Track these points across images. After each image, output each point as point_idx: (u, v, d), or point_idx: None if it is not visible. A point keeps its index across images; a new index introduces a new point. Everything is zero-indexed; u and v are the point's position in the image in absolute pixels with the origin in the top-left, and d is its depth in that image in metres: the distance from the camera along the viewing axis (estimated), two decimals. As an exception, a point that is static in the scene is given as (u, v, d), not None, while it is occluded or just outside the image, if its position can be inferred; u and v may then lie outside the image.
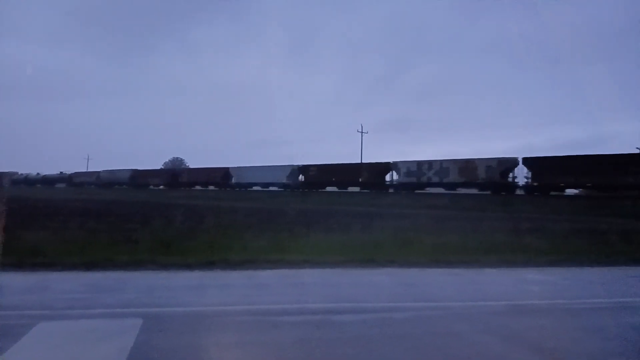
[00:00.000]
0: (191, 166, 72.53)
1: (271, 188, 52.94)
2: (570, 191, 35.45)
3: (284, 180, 51.83)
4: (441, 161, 41.27)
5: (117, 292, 6.55)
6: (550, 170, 34.75)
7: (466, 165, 39.37)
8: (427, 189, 41.60)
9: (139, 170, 70.67)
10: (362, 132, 63.35)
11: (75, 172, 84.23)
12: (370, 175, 45.83)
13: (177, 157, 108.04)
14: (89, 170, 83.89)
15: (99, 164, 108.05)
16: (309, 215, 20.47)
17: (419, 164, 42.35)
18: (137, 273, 7.85)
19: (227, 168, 59.04)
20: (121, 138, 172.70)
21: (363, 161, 52.91)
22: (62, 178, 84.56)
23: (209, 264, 8.45)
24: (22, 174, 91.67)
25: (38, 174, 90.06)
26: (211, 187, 59.62)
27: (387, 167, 44.96)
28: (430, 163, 41.91)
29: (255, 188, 54.47)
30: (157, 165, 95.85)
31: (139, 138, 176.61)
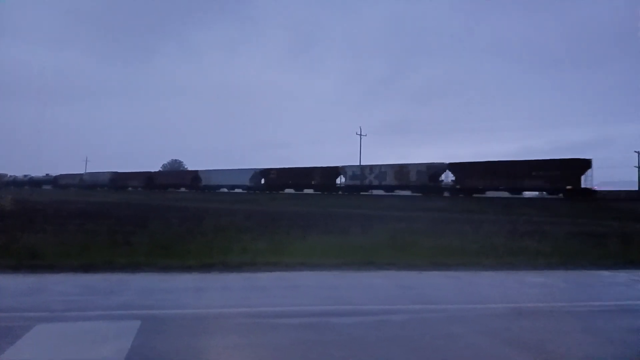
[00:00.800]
0: (190, 168, 74.37)
1: (236, 190, 57.08)
2: (492, 193, 39.77)
3: (247, 183, 56.15)
4: (380, 166, 45.65)
5: (115, 295, 6.54)
6: (470, 174, 39.50)
7: (400, 170, 43.82)
8: (371, 191, 45.99)
9: (118, 172, 74.16)
10: (360, 135, 63.49)
11: (60, 175, 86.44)
12: (322, 178, 49.84)
13: (175, 159, 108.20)
14: (78, 172, 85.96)
15: (99, 166, 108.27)
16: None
17: (362, 168, 47.25)
18: (135, 275, 7.83)
19: (197, 171, 63.66)
20: (121, 140, 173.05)
21: (359, 163, 54.73)
22: (47, 180, 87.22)
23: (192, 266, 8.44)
24: (10, 176, 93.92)
25: (25, 175, 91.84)
26: (182, 189, 63.52)
27: (336, 170, 49.26)
28: (371, 167, 46.33)
29: (222, 190, 58.63)
30: (157, 167, 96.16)
31: (139, 140, 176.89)
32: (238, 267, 8.50)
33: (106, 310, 5.67)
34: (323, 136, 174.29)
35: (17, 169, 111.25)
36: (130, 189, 69.49)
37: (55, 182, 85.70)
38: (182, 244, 10.65)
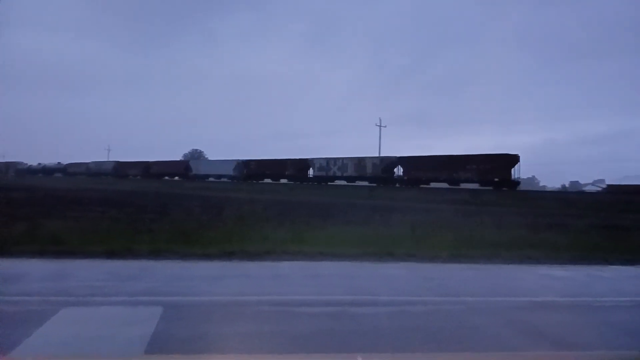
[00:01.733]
0: (210, 158, 77.44)
1: (222, 179, 61.26)
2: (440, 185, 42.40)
3: (231, 173, 60.56)
4: (342, 159, 49.90)
5: (137, 281, 6.62)
6: (416, 167, 43.58)
7: (359, 163, 48.06)
8: (336, 181, 49.86)
9: (120, 162, 79.86)
10: (380, 126, 63.20)
11: (69, 163, 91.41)
12: (294, 170, 53.58)
13: (195, 149, 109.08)
14: (107, 160, 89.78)
15: (120, 154, 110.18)
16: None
17: (327, 160, 51.03)
18: (156, 262, 7.91)
19: (188, 161, 70.85)
20: (143, 129, 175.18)
21: (379, 154, 55.98)
22: (59, 168, 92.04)
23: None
24: (25, 164, 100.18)
25: (39, 164, 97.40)
26: (176, 178, 68.09)
27: (306, 163, 53.23)
28: (335, 160, 50.45)
29: (210, 179, 62.77)
30: (177, 156, 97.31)
31: (160, 129, 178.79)
32: (258, 256, 8.53)
33: (129, 296, 5.74)
34: (343, 127, 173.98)
35: (38, 157, 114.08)
36: (130, 177, 74.05)
37: (65, 170, 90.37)
38: (202, 231, 10.73)
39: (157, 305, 5.24)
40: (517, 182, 38.49)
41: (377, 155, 50.25)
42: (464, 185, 40.42)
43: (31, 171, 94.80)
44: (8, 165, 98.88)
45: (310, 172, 52.95)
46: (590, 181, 75.79)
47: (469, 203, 27.79)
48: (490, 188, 37.90)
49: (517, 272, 8.56)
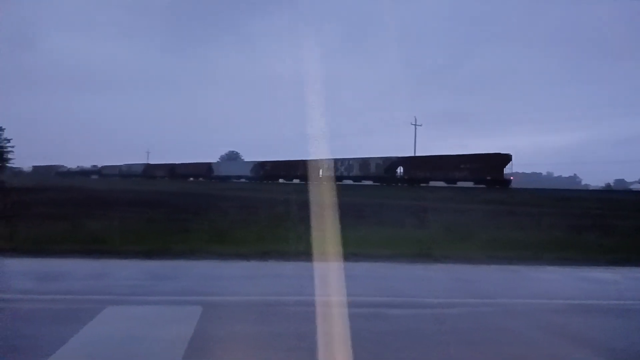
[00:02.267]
0: (245, 159, 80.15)
1: (241, 180, 65.13)
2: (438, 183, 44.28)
3: (249, 174, 64.53)
4: (348, 159, 52.84)
5: (176, 280, 6.81)
6: (415, 167, 45.71)
7: (364, 163, 50.88)
8: (344, 181, 51.57)
9: (149, 164, 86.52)
10: (415, 125, 62.64)
11: (104, 166, 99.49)
12: (306, 170, 54.19)
13: (232, 151, 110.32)
14: (118, 164, 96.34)
15: (159, 156, 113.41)
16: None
17: (335, 161, 53.33)
18: (194, 262, 8.09)
19: (210, 163, 73.82)
20: (182, 131, 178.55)
21: (414, 154, 56.73)
22: (94, 170, 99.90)
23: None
24: (65, 167, 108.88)
25: (78, 166, 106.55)
26: (200, 179, 72.13)
27: (317, 163, 54.42)
28: (342, 161, 53.26)
29: (231, 180, 66.33)
30: (215, 158, 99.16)
31: (197, 130, 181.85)
32: (293, 256, 8.59)
33: (169, 295, 5.90)
34: (378, 126, 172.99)
35: (77, 160, 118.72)
36: (158, 177, 78.31)
37: (99, 172, 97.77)
38: (237, 231, 10.87)
39: (196, 304, 5.36)
40: (508, 180, 39.67)
41: (381, 155, 51.31)
42: (460, 184, 42.19)
43: (70, 173, 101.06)
44: (50, 168, 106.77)
45: (320, 172, 54.35)
46: (638, 179, 73.44)
47: (503, 203, 27.27)
48: (483, 186, 39.49)
49: (556, 274, 8.38)
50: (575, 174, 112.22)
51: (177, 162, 78.46)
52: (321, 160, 53.69)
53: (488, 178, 39.46)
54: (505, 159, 39.64)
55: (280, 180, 58.78)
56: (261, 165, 63.16)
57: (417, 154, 47.51)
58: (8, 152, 42.43)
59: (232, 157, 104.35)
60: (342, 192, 37.79)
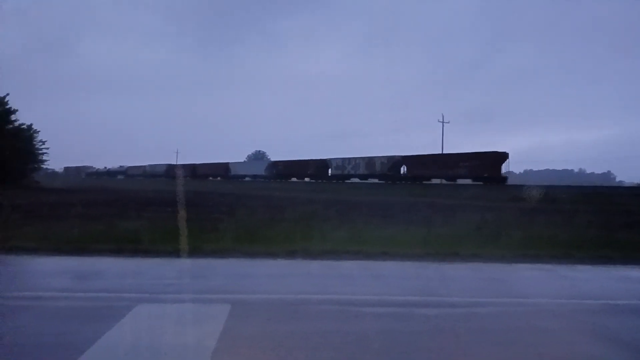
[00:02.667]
0: (272, 159, 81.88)
1: (257, 178, 67.53)
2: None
3: (263, 173, 66.83)
4: (355, 158, 54.12)
5: (206, 279, 6.88)
6: (417, 165, 46.94)
7: (369, 161, 52.19)
8: (353, 179, 53.94)
9: (171, 164, 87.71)
10: (442, 122, 61.92)
11: (130, 166, 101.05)
12: (316, 169, 58.16)
13: (259, 150, 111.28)
14: (142, 164, 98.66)
15: (188, 157, 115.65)
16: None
17: (343, 160, 55.63)
18: (223, 260, 8.16)
19: (228, 163, 75.52)
20: (208, 131, 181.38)
21: (441, 152, 57.28)
22: (121, 171, 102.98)
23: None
24: (94, 168, 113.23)
25: (105, 167, 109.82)
26: (218, 178, 74.31)
27: (325, 163, 57.92)
28: (349, 160, 54.91)
29: (246, 179, 69.37)
30: (241, 157, 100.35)
31: (225, 131, 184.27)
32: (320, 255, 8.59)
33: (198, 293, 5.96)
34: (405, 124, 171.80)
35: (109, 161, 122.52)
36: (179, 178, 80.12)
37: (125, 172, 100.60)
38: (265, 230, 10.94)
39: (225, 302, 5.41)
40: (505, 178, 41.18)
41: (386, 154, 52.13)
42: (460, 181, 43.27)
43: (98, 174, 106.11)
44: (80, 169, 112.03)
45: (329, 171, 57.65)
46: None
47: (535, 200, 26.69)
48: (481, 183, 40.62)
49: (591, 273, 8.15)
50: (609, 171, 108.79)
51: (197, 163, 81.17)
52: (330, 159, 57.59)
53: (485, 175, 40.94)
54: (502, 157, 40.95)
55: (293, 179, 61.41)
56: (274, 164, 66.17)
57: (421, 153, 47.85)
58: (43, 153, 43.73)
59: (258, 156, 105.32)
60: (354, 190, 38.81)
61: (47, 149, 43.49)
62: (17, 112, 39.80)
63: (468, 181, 42.56)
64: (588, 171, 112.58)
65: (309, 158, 59.98)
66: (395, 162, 49.69)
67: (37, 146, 42.53)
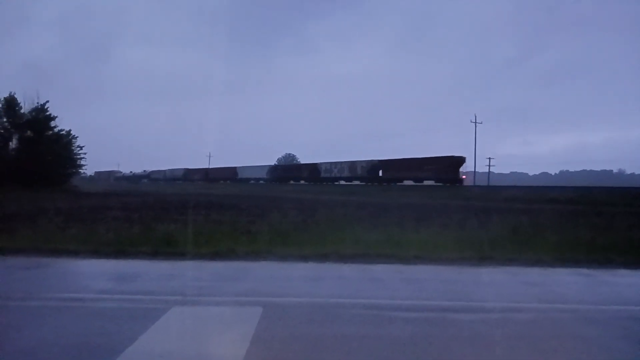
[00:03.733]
0: (302, 161, 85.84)
1: (260, 181, 75.56)
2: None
3: (265, 176, 74.17)
4: (340, 163, 61.40)
5: (239, 281, 6.95)
6: (390, 168, 53.27)
7: (352, 165, 59.26)
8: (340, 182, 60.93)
9: (188, 169, 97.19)
10: (475, 122, 61.11)
11: (152, 170, 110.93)
12: (309, 172, 65.83)
13: (289, 153, 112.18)
14: (163, 169, 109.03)
15: (221, 160, 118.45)
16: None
17: (331, 164, 63.30)
18: (256, 263, 8.23)
19: (235, 167, 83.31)
20: (242, 135, 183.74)
21: (474, 152, 62.87)
22: (144, 175, 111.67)
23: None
24: (121, 172, 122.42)
25: (130, 172, 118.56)
26: (228, 181, 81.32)
27: (317, 167, 65.44)
28: (335, 164, 62.38)
29: (251, 182, 76.99)
30: (272, 161, 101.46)
31: (256, 134, 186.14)
32: (352, 258, 8.56)
33: (232, 296, 6.03)
34: (438, 124, 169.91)
35: (133, 165, 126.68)
36: (195, 181, 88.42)
37: (148, 176, 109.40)
38: (297, 233, 10.98)
39: (257, 305, 5.45)
40: (461, 179, 47.08)
41: (366, 159, 59.68)
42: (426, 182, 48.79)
43: (125, 178, 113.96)
44: (109, 174, 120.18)
45: (320, 174, 64.67)
46: None
47: (572, 202, 25.96)
48: (447, 184, 45.70)
49: (635, 278, 7.86)
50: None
51: (210, 167, 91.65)
52: (320, 164, 65.25)
53: (445, 177, 46.23)
54: (459, 161, 47.00)
55: (291, 182, 68.94)
56: (274, 169, 75.87)
57: (394, 158, 54.87)
58: (81, 158, 45.02)
59: (289, 159, 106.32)
60: (350, 191, 39.97)
61: (85, 154, 44.79)
62: (56, 119, 41.16)
63: (432, 182, 47.85)
64: (628, 171, 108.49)
65: (303, 163, 71.28)
66: (373, 165, 56.45)
67: (75, 151, 43.82)
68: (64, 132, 42.09)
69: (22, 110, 40.29)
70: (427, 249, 8.99)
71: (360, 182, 56.77)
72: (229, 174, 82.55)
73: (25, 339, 4.32)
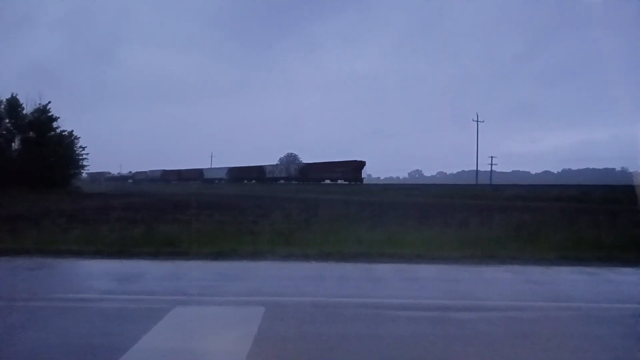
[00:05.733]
0: (304, 160, 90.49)
1: (222, 181, 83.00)
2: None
3: (225, 177, 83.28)
4: (280, 164, 74.00)
5: (242, 281, 6.97)
6: (312, 170, 64.49)
7: (287, 167, 72.07)
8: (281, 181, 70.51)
9: (165, 170, 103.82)
10: (477, 121, 61.08)
11: (136, 172, 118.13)
12: (257, 173, 74.67)
13: (291, 153, 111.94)
14: (146, 170, 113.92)
15: (223, 161, 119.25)
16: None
17: (272, 167, 75.65)
18: (258, 263, 8.23)
19: (202, 169, 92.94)
20: (243, 135, 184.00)
21: (476, 150, 66.35)
22: (129, 176, 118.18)
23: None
24: (110, 174, 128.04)
25: (118, 173, 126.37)
26: (197, 181, 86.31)
27: (263, 168, 74.95)
28: (276, 166, 75.75)
29: (215, 181, 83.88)
30: (274, 160, 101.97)
31: (259, 134, 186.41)
32: (354, 257, 8.55)
33: (234, 295, 6.04)
34: (444, 123, 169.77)
35: (141, 166, 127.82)
36: (172, 182, 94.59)
37: (133, 177, 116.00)
38: (300, 233, 10.97)
39: (259, 305, 5.45)
40: (362, 179, 58.95)
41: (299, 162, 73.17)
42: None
43: (113, 179, 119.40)
44: (100, 175, 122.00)
45: (266, 174, 73.35)
46: None
47: (576, 200, 25.90)
48: (351, 183, 55.98)
49: (639, 276, 7.84)
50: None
51: (183, 169, 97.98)
52: (265, 166, 75.32)
53: (351, 177, 57.38)
54: (361, 164, 58.82)
55: (245, 182, 77.03)
56: (231, 170, 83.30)
57: (317, 162, 65.84)
58: (83, 159, 45.10)
59: (289, 159, 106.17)
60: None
61: (87, 154, 44.88)
62: (58, 120, 41.27)
63: (341, 181, 58.55)
64: (631, 169, 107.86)
65: (254, 165, 78.84)
66: (302, 168, 68.73)
67: (77, 152, 43.92)
68: (66, 133, 42.24)
69: (24, 112, 40.49)
70: (427, 248, 8.99)
71: (294, 181, 66.67)
72: (197, 175, 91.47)
73: (29, 339, 4.34)
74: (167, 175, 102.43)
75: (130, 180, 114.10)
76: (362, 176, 59.30)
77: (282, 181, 70.31)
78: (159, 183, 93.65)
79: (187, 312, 5.34)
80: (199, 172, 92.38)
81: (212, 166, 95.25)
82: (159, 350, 4.15)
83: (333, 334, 4.62)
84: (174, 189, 62.03)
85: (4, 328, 4.73)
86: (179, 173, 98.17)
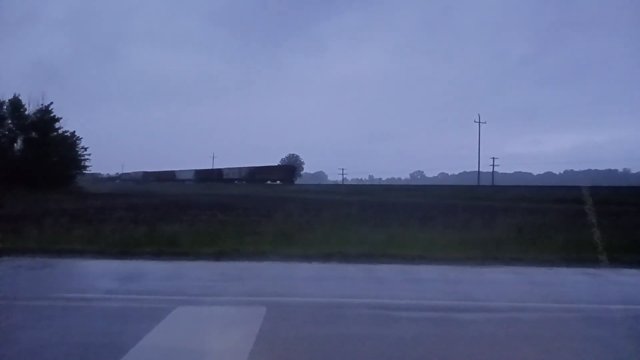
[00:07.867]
0: (304, 161, 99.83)
1: (191, 181, 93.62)
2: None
3: (192, 178, 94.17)
4: (233, 168, 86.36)
5: (244, 281, 6.97)
6: (261, 173, 77.99)
7: (239, 170, 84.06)
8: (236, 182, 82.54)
9: (146, 172, 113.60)
10: (479, 122, 61.09)
11: (122, 173, 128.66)
12: (217, 175, 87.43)
13: (292, 154, 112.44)
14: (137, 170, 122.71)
15: (226, 161, 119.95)
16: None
17: (228, 170, 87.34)
18: (260, 263, 8.23)
19: (174, 171, 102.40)
20: (245, 135, 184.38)
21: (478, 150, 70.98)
22: (117, 177, 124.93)
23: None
24: (100, 174, 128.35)
25: (107, 174, 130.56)
26: (171, 182, 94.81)
27: (221, 171, 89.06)
28: (231, 169, 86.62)
29: (186, 182, 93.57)
30: (275, 161, 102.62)
31: (262, 135, 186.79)
32: (356, 258, 8.55)
33: (236, 295, 6.04)
34: (445, 125, 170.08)
35: (140, 166, 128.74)
36: (154, 183, 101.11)
37: (119, 178, 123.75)
38: (302, 233, 10.97)
39: (261, 305, 5.45)
40: (293, 181, 74.59)
41: (248, 165, 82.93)
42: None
43: (103, 180, 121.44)
44: (93, 176, 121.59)
45: (223, 176, 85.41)
46: None
47: (577, 201, 25.78)
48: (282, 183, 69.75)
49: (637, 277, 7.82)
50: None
51: (159, 170, 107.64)
52: (223, 169, 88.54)
53: (286, 178, 71.86)
54: (294, 168, 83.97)
55: (207, 182, 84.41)
56: (197, 172, 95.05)
57: (273, 164, 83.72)
58: (85, 159, 45.19)
59: (292, 160, 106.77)
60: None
61: (89, 155, 44.97)
62: (60, 120, 41.37)
63: (277, 182, 70.77)
64: (634, 171, 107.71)
65: (215, 168, 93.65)
66: (250, 171, 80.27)
67: (79, 152, 44.01)
68: (68, 133, 42.34)
69: (26, 112, 40.61)
70: (429, 249, 8.98)
71: (245, 182, 78.40)
72: (170, 176, 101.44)
73: (31, 338, 4.35)
74: (147, 176, 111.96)
75: (117, 181, 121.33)
76: (294, 178, 77.56)
77: (236, 182, 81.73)
78: (143, 184, 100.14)
79: (189, 312, 5.34)
80: (172, 173, 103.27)
81: (213, 167, 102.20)
82: (161, 349, 4.16)
83: (335, 334, 4.62)
84: (154, 188, 66.81)
85: (6, 327, 4.75)
86: (157, 174, 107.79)
